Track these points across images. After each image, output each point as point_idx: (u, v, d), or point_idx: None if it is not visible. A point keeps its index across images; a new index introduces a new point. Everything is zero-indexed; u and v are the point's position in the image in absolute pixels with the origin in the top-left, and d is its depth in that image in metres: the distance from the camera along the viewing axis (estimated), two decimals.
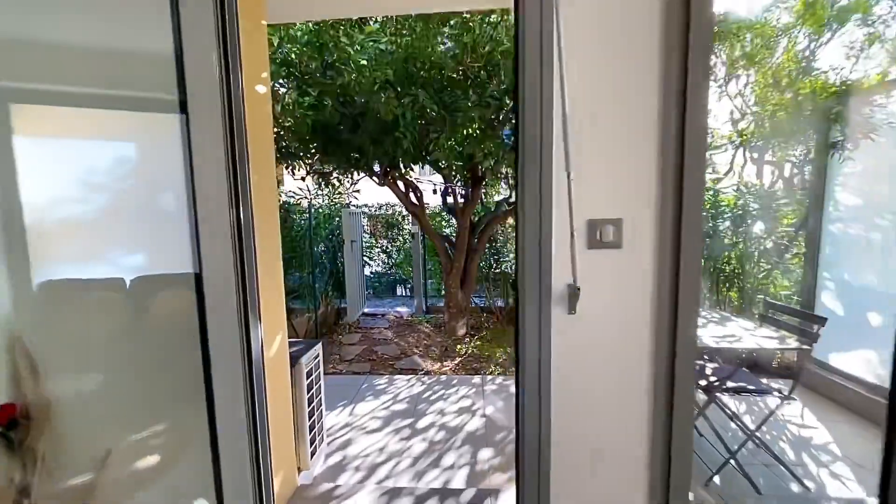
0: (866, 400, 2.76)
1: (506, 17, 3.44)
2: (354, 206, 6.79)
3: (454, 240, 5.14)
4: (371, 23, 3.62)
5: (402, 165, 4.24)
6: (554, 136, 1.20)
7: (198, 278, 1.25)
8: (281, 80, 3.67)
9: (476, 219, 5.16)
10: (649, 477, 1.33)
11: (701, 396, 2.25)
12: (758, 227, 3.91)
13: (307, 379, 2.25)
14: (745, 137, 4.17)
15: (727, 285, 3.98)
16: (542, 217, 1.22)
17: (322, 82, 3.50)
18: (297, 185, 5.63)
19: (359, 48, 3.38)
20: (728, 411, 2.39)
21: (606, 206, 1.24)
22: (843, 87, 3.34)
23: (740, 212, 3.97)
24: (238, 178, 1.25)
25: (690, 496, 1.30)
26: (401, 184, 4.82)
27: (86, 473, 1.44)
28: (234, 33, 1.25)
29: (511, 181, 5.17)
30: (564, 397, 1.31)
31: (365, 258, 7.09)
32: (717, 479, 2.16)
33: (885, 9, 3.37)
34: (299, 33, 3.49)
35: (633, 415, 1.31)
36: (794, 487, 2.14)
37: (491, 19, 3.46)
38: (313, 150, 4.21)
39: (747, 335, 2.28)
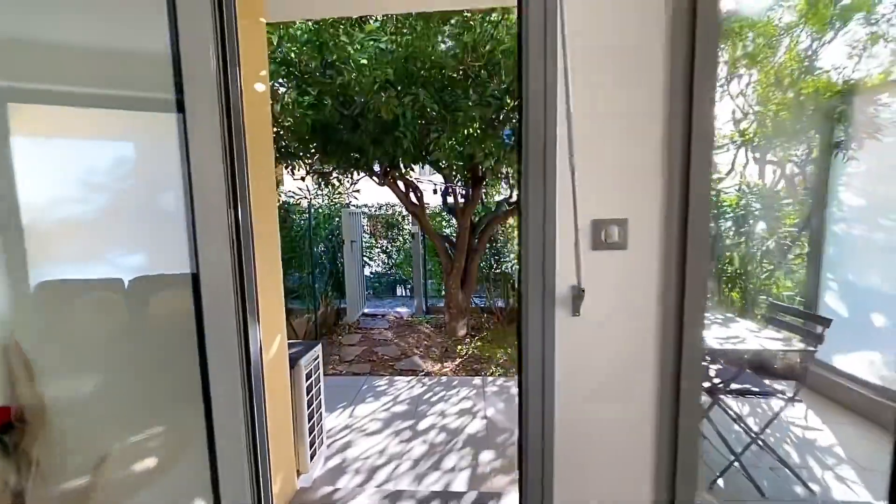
0: (870, 402, 2.74)
1: (507, 15, 3.43)
2: (354, 206, 6.77)
3: (454, 240, 5.12)
4: (371, 21, 3.60)
5: (402, 165, 4.22)
6: (558, 134, 1.18)
7: (195, 279, 1.23)
8: (280, 80, 3.65)
9: (476, 219, 5.15)
10: (655, 482, 1.30)
11: (704, 398, 2.23)
12: (760, 228, 3.89)
13: (307, 381, 2.23)
14: (746, 137, 4.15)
15: (729, 286, 3.96)
16: (546, 217, 1.20)
17: (322, 81, 3.48)
18: (297, 184, 5.61)
19: (359, 47, 3.36)
20: (731, 413, 2.37)
21: (611, 206, 1.22)
22: (847, 87, 3.32)
23: (742, 212, 3.94)
24: (236, 177, 1.23)
25: (696, 501, 1.28)
26: (401, 184, 4.80)
27: (81, 477, 1.42)
28: (231, 30, 1.23)
29: (511, 181, 5.15)
30: (568, 401, 1.29)
31: (365, 258, 7.07)
32: (720, 481, 2.14)
33: (888, 7, 3.34)
34: (299, 32, 3.48)
35: (637, 420, 1.29)
36: (799, 490, 2.12)
37: (492, 18, 3.44)
38: (313, 150, 4.19)
39: (751, 336, 2.26)
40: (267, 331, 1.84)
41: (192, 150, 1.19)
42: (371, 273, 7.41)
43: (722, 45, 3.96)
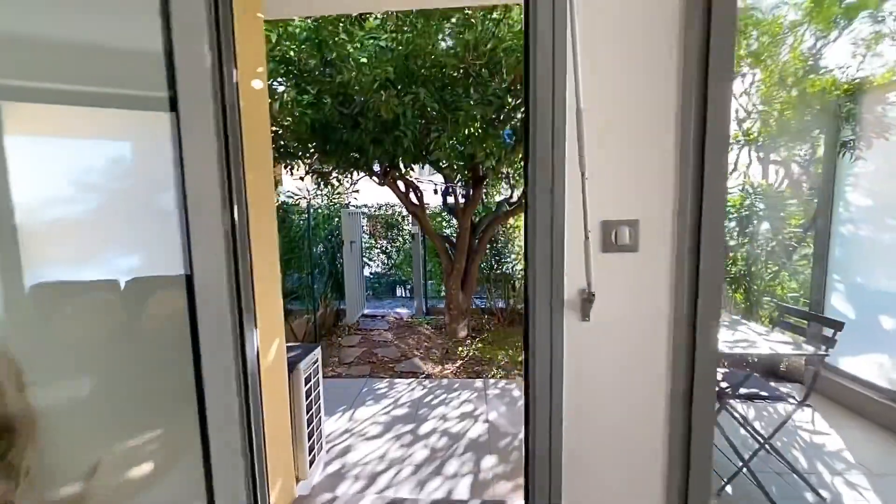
0: (879, 405, 2.70)
1: (508, 14, 3.38)
2: (354, 206, 6.73)
3: (455, 240, 5.08)
4: (371, 19, 3.55)
5: (402, 165, 4.18)
6: (567, 132, 1.13)
7: (189, 281, 1.19)
8: (279, 78, 3.61)
9: (477, 219, 5.10)
10: (666, 490, 1.26)
11: None
12: (764, 228, 3.85)
13: (305, 385, 2.19)
14: (750, 136, 4.11)
15: (734, 287, 3.92)
16: (555, 218, 1.15)
17: (321, 80, 3.44)
18: (296, 184, 5.57)
19: (358, 45, 3.32)
20: (739, 417, 2.32)
21: (622, 206, 1.17)
22: (854, 86, 3.28)
23: (746, 212, 3.91)
24: (232, 177, 1.19)
25: None
26: (401, 184, 4.76)
27: (73, 485, 1.38)
28: (227, 25, 1.18)
29: (512, 181, 5.11)
30: (576, 407, 1.24)
31: (364, 259, 7.02)
32: (728, 488, 2.09)
33: (894, 5, 3.31)
34: (298, 30, 3.43)
35: (648, 428, 1.24)
36: (809, 497, 2.08)
37: (493, 16, 3.39)
38: (312, 150, 4.14)
39: (760, 340, 2.22)
40: (265, 334, 1.79)
41: (185, 148, 1.14)
42: (371, 274, 7.37)
43: None
